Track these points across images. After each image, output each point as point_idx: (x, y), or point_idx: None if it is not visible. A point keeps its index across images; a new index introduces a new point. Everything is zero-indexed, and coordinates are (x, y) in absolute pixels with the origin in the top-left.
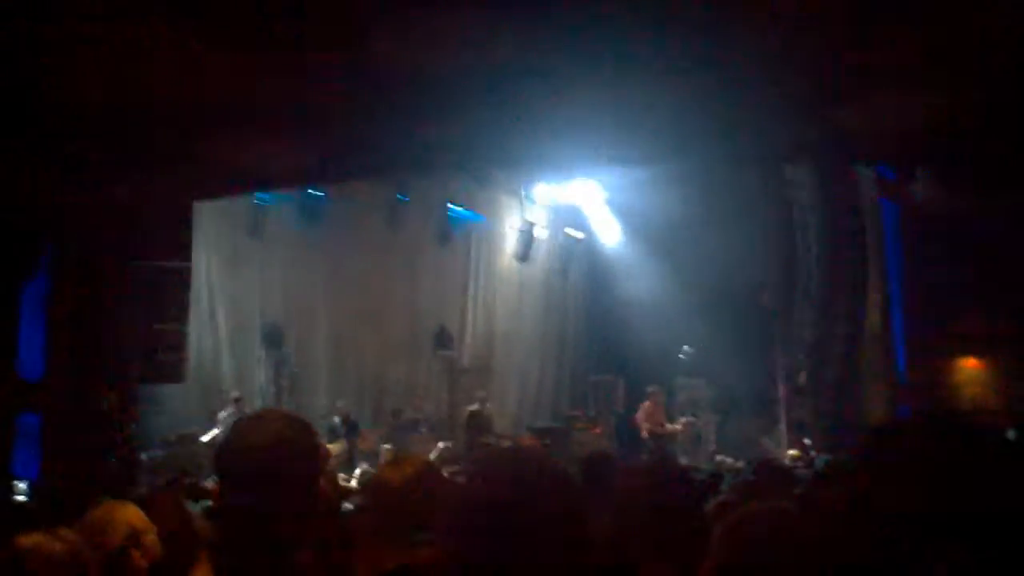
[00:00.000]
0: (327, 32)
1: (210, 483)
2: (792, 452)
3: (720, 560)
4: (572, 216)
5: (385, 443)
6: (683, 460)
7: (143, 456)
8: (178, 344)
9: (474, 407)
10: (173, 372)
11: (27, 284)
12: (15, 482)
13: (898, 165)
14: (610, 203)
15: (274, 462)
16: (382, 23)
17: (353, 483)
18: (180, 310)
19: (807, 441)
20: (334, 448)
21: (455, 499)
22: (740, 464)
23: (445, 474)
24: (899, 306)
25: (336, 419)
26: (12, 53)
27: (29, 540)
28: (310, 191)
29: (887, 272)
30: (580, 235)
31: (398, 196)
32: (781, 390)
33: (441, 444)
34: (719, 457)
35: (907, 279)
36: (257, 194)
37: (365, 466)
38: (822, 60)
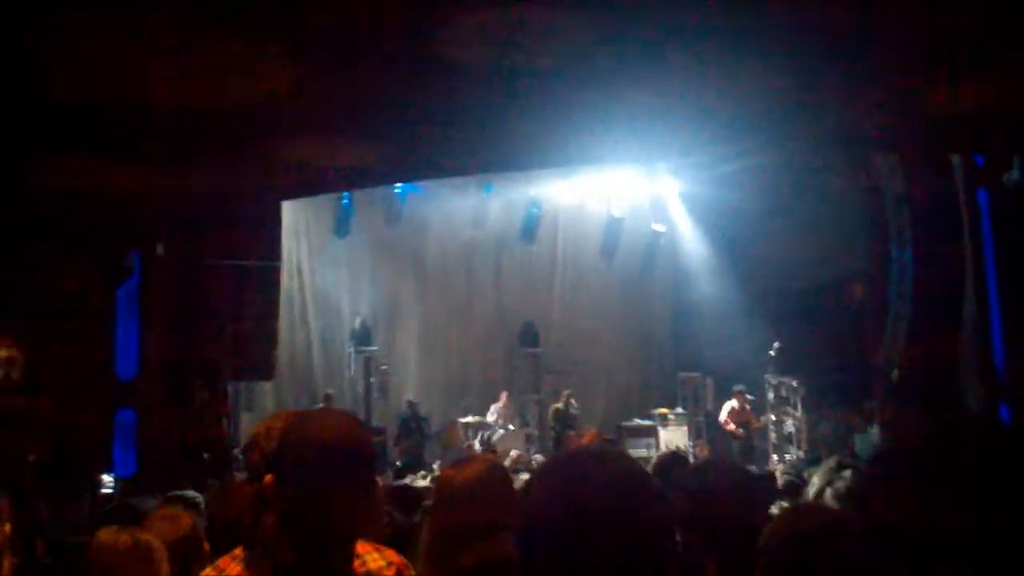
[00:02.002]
0: (400, 32)
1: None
2: None
3: (770, 559)
4: (657, 211)
5: (470, 440)
6: (773, 459)
7: (235, 452)
8: (269, 342)
9: (558, 404)
10: (264, 369)
11: (121, 286)
12: (103, 476)
13: (993, 151)
14: (693, 197)
15: (334, 453)
16: (455, 22)
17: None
18: (271, 308)
19: None
20: (407, 444)
21: (534, 498)
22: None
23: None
24: (996, 298)
25: (405, 414)
26: (90, 62)
27: (106, 533)
28: (395, 189)
29: (983, 263)
30: (664, 229)
31: (483, 193)
32: (875, 387)
33: (514, 452)
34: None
35: (1004, 270)
36: (344, 193)
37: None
38: (912, 41)
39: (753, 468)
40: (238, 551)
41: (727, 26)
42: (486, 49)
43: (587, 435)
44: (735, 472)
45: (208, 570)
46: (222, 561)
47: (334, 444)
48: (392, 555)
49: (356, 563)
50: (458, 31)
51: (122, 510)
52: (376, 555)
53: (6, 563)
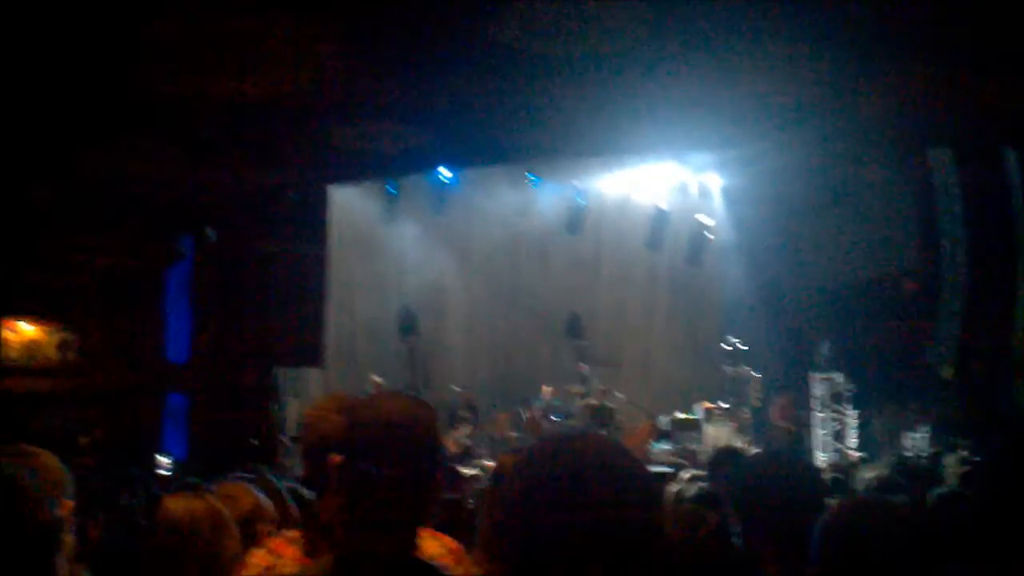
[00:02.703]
0: (449, 21)
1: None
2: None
3: (827, 551)
4: (704, 204)
5: (513, 431)
6: (821, 457)
7: (283, 437)
8: (317, 328)
9: (594, 401)
10: (312, 355)
11: (172, 271)
12: (160, 457)
13: None
14: (740, 192)
15: (404, 435)
16: (503, 12)
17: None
18: (319, 294)
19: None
20: (457, 433)
21: (509, 477)
22: (881, 463)
23: None
24: None
25: (455, 402)
26: (140, 53)
27: (175, 500)
28: (441, 177)
29: None
30: (711, 222)
31: (529, 177)
32: (927, 385)
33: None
34: (857, 454)
35: None
36: (389, 180)
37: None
38: (964, 33)
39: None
40: (293, 533)
41: (775, 16)
42: (536, 37)
43: (642, 429)
44: (790, 465)
45: (262, 552)
46: (275, 543)
47: (402, 426)
48: (449, 541)
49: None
50: (508, 19)
51: (185, 489)
52: (433, 541)
53: (68, 540)
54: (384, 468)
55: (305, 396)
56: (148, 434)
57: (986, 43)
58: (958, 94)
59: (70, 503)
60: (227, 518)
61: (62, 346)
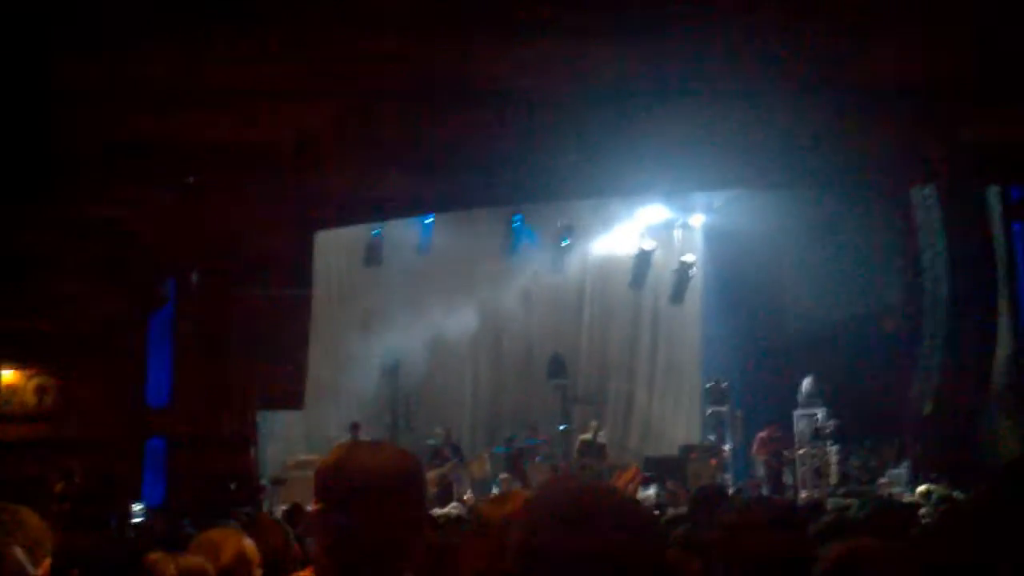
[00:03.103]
0: (437, 65)
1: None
2: (922, 489)
3: None
4: (687, 243)
5: (497, 471)
6: (803, 493)
7: (263, 481)
8: (298, 372)
9: (586, 436)
10: (292, 399)
11: (154, 316)
12: (132, 505)
13: None
14: (723, 229)
15: (383, 485)
16: (489, 56)
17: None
18: (301, 339)
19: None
20: (434, 474)
21: (540, 531)
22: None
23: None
24: None
25: (433, 441)
26: (127, 97)
27: (153, 557)
28: (425, 220)
29: (1018, 297)
30: (693, 260)
31: (512, 223)
32: (907, 422)
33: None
34: (840, 490)
35: None
36: (373, 224)
37: (469, 494)
38: (948, 73)
39: (797, 499)
40: (306, 572)
41: (759, 60)
42: (522, 82)
43: (628, 472)
44: (775, 507)
45: None
46: None
47: (381, 475)
48: None
49: None
50: (494, 65)
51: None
52: None
53: None
54: (357, 521)
55: (283, 441)
56: (126, 480)
57: (968, 81)
58: (941, 132)
59: (47, 562)
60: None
61: (39, 391)
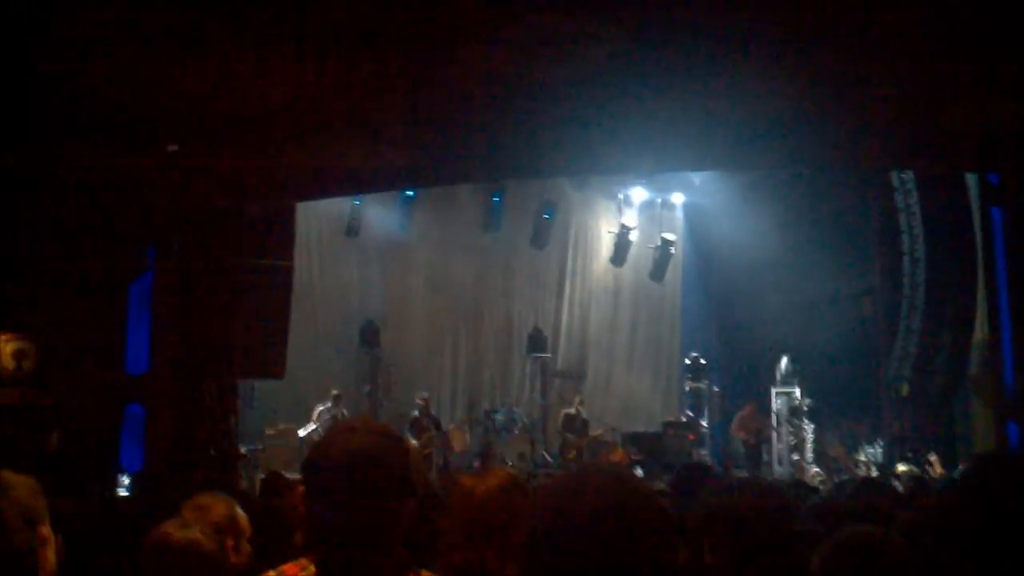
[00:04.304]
0: (421, 39)
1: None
2: (902, 468)
3: None
4: (668, 221)
5: (476, 443)
6: (778, 470)
7: (243, 449)
8: (279, 340)
9: (570, 410)
10: (273, 367)
11: (134, 282)
12: (119, 475)
13: (1008, 170)
14: (703, 209)
15: (357, 475)
16: (473, 32)
17: None
18: (282, 307)
19: (932, 457)
20: (418, 442)
21: (542, 513)
22: (840, 478)
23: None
24: (1008, 316)
25: (415, 412)
26: (106, 65)
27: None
28: (406, 192)
29: (996, 281)
30: (674, 239)
31: (493, 198)
32: (883, 401)
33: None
34: (815, 469)
35: (1016, 288)
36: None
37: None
38: (931, 63)
39: (785, 477)
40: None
41: (741, 40)
42: (504, 58)
43: (614, 455)
44: (764, 489)
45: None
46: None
47: (364, 463)
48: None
49: None
50: (476, 40)
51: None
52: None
53: (50, 559)
54: (337, 510)
55: (264, 408)
56: (104, 446)
57: (949, 68)
58: (921, 118)
59: (46, 529)
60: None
61: (17, 355)
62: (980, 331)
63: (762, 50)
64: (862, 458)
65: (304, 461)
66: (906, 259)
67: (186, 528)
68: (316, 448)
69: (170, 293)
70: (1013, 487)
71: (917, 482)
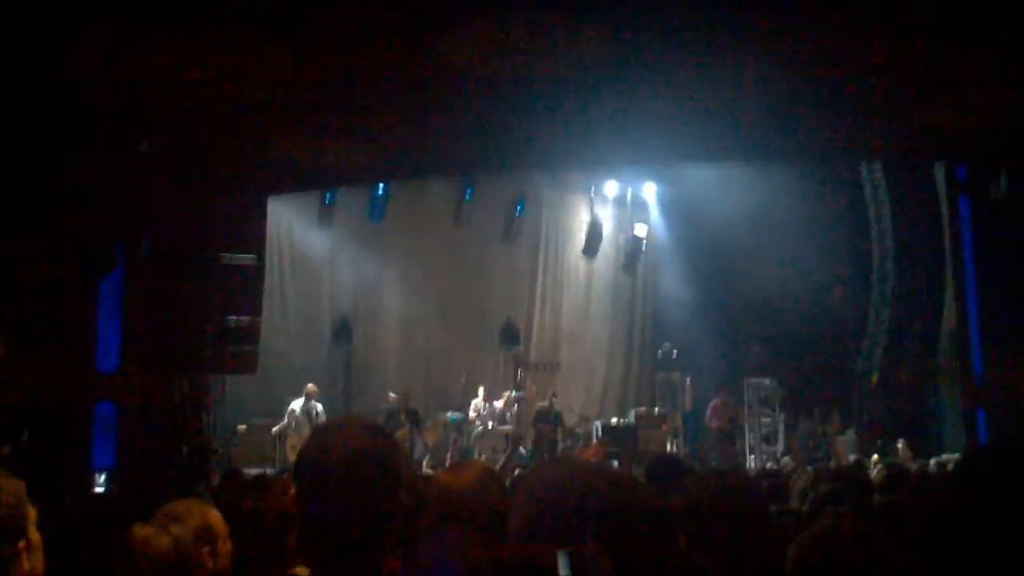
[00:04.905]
0: (398, 36)
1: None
2: (876, 458)
3: None
4: (639, 213)
5: (451, 437)
6: (749, 459)
7: (215, 445)
8: (251, 336)
9: (543, 404)
10: (245, 363)
11: (104, 278)
12: (94, 473)
13: (980, 162)
14: (674, 200)
15: (351, 474)
16: (450, 31)
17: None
18: (253, 302)
19: (899, 444)
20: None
21: (530, 503)
22: (810, 467)
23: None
24: (976, 305)
25: (392, 406)
26: (80, 60)
27: (140, 532)
28: (378, 187)
29: (964, 270)
30: (645, 231)
31: (465, 192)
32: (854, 390)
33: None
34: (785, 459)
35: (984, 278)
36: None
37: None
38: (900, 55)
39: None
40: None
41: (714, 36)
42: (482, 54)
43: (590, 449)
44: (735, 482)
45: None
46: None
47: (354, 462)
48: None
49: None
50: (455, 36)
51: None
52: None
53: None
54: (334, 510)
55: (236, 404)
56: (75, 444)
57: (919, 67)
58: (892, 115)
59: (36, 535)
60: (193, 551)
61: None
62: (947, 321)
63: (735, 46)
64: (838, 447)
65: (296, 462)
66: (875, 250)
67: (160, 535)
68: (308, 448)
69: (139, 289)
70: (1015, 480)
71: (894, 471)
